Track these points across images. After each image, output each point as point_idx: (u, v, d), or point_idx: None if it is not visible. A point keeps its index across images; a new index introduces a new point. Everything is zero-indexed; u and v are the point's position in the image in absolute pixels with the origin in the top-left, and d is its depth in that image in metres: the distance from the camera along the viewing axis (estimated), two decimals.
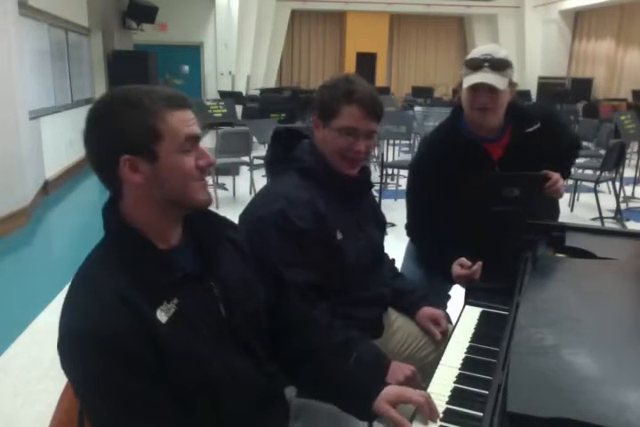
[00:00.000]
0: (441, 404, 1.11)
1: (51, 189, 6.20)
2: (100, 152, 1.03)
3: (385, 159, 6.27)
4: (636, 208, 6.05)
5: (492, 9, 16.31)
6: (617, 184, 5.76)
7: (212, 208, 1.16)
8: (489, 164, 1.90)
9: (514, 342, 1.07)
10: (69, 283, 1.02)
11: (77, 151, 7.53)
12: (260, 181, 6.29)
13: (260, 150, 6.83)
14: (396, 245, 2.19)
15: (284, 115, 9.60)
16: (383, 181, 6.01)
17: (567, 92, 12.39)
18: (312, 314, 1.40)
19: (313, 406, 1.34)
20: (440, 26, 17.61)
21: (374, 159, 7.21)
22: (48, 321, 3.15)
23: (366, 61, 16.44)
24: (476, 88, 1.79)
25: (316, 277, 1.45)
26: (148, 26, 11.25)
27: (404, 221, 2.09)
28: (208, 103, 6.99)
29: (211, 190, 1.13)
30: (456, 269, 1.77)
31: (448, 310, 1.82)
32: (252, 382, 1.11)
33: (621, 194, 5.78)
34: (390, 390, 1.13)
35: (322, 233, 1.48)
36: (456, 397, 1.14)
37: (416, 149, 2.21)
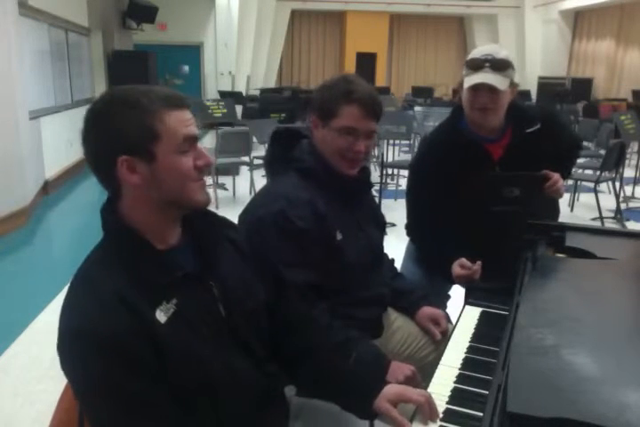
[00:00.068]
0: (441, 404, 1.11)
1: (51, 189, 6.20)
2: (97, 153, 1.03)
3: (385, 159, 6.27)
4: (636, 208, 6.05)
5: (491, 9, 16.31)
6: (617, 184, 5.76)
7: (212, 208, 1.16)
8: (489, 164, 1.90)
9: (514, 342, 1.07)
10: (69, 283, 1.02)
11: (77, 151, 7.53)
12: (260, 181, 6.29)
13: (260, 150, 6.83)
14: (396, 245, 2.19)
15: (284, 115, 9.61)
16: (383, 181, 6.01)
17: (567, 92, 12.39)
18: (312, 314, 1.40)
19: (313, 406, 1.34)
20: (440, 26, 17.61)
21: (374, 159, 7.21)
22: (48, 321, 3.15)
23: (366, 61, 16.44)
24: (476, 88, 1.79)
25: (315, 277, 1.45)
26: (148, 26, 11.25)
27: (404, 221, 2.09)
28: (208, 103, 6.99)
29: (211, 190, 1.13)
30: (456, 269, 1.77)
31: (448, 310, 1.82)
32: (251, 381, 1.11)
33: (621, 194, 5.78)
34: (391, 389, 1.13)
35: (322, 233, 1.48)
36: (456, 397, 1.14)
37: (416, 149, 2.20)
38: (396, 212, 2.10)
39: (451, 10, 16.49)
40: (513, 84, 1.83)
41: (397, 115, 6.95)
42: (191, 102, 1.10)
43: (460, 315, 1.52)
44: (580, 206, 5.93)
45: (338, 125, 1.48)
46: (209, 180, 5.87)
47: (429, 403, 1.08)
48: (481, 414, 1.05)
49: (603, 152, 6.35)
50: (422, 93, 12.99)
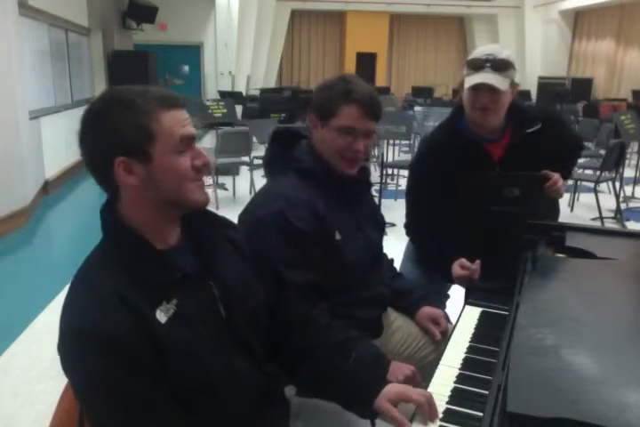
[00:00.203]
0: (441, 404, 1.11)
1: (51, 189, 6.20)
2: (94, 154, 1.03)
3: (385, 159, 6.27)
4: (636, 208, 6.05)
5: (491, 9, 16.31)
6: (617, 184, 5.76)
7: (212, 208, 1.16)
8: (489, 164, 1.90)
9: (514, 342, 1.07)
10: (69, 283, 1.02)
11: (77, 151, 7.46)
12: (260, 181, 6.27)
13: (260, 150, 6.82)
14: (396, 246, 2.19)
15: (284, 115, 9.61)
16: (383, 181, 6.00)
17: (567, 92, 12.38)
18: (312, 314, 1.40)
19: (313, 405, 1.34)
20: (440, 26, 17.61)
21: (374, 159, 7.21)
22: (48, 321, 3.15)
23: (366, 61, 16.44)
24: (477, 88, 1.79)
25: (315, 277, 1.45)
26: (148, 26, 11.25)
27: (404, 220, 2.09)
28: (208, 103, 6.99)
29: (210, 190, 1.13)
30: (456, 269, 1.77)
31: (448, 310, 1.82)
32: (251, 381, 1.11)
33: (621, 194, 5.78)
34: (391, 389, 1.13)
35: (321, 233, 1.48)
36: (456, 397, 1.14)
37: (416, 149, 2.21)
38: (395, 212, 2.10)
39: (451, 10, 16.49)
40: (513, 85, 1.83)
41: (397, 115, 6.94)
42: (191, 102, 1.10)
43: (460, 315, 1.52)
44: (579, 206, 5.93)
45: (337, 125, 1.48)
46: (209, 180, 5.88)
47: (429, 403, 1.08)
48: (481, 414, 1.05)
49: (603, 152, 6.35)
50: (422, 93, 12.99)
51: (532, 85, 14.44)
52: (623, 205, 5.81)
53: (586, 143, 7.51)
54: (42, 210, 5.59)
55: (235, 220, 1.37)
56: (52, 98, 6.86)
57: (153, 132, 1.00)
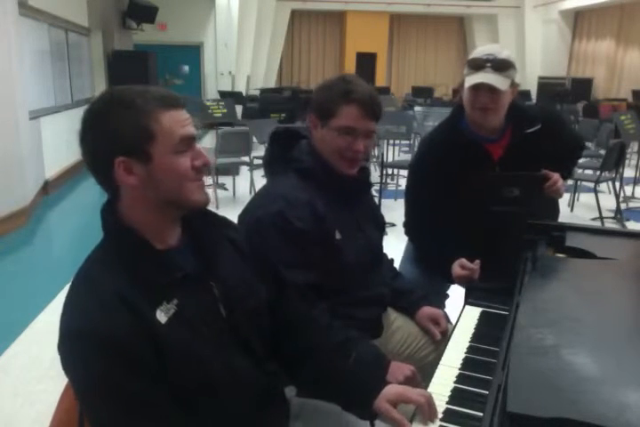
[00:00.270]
0: (441, 404, 1.11)
1: (51, 189, 6.20)
2: (95, 154, 1.03)
3: (385, 159, 6.27)
4: (636, 208, 6.05)
5: (491, 9, 16.31)
6: (617, 184, 5.76)
7: (212, 208, 1.16)
8: (489, 164, 1.90)
9: (514, 342, 1.07)
10: (70, 283, 1.02)
11: (77, 151, 7.45)
12: (260, 181, 6.27)
13: (260, 150, 6.82)
14: (396, 245, 2.20)
15: (283, 115, 9.61)
16: (383, 181, 6.00)
17: (567, 92, 12.38)
18: (312, 314, 1.40)
19: (313, 406, 1.34)
20: (440, 26, 17.61)
21: (374, 159, 7.21)
22: (48, 321, 3.15)
23: (366, 61, 16.44)
24: (477, 88, 1.79)
25: (315, 277, 1.45)
26: (148, 26, 11.25)
27: (403, 219, 2.10)
28: (208, 103, 6.99)
29: (210, 190, 1.13)
30: (456, 269, 1.77)
31: (448, 310, 1.82)
32: (251, 380, 1.11)
33: (621, 194, 5.78)
34: (391, 390, 1.13)
35: (321, 233, 1.48)
36: (456, 397, 1.14)
37: (416, 149, 2.21)
38: (395, 212, 2.10)
39: (451, 10, 16.49)
40: (514, 85, 1.83)
41: (397, 115, 6.94)
42: (191, 102, 1.10)
43: (460, 315, 1.52)
44: (579, 206, 5.93)
45: (337, 125, 1.48)
46: (209, 180, 5.88)
47: (429, 403, 1.08)
48: (481, 414, 1.05)
49: (603, 152, 6.35)
50: (422, 93, 12.99)
51: (532, 85, 14.44)
52: (623, 205, 5.81)
53: (586, 143, 7.51)
54: (42, 210, 5.59)
55: (235, 220, 1.37)
56: (52, 98, 6.86)
57: (153, 132, 1.00)
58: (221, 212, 1.17)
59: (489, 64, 1.78)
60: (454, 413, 1.09)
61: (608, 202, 5.76)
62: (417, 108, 7.91)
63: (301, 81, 16.77)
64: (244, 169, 6.77)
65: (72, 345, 0.96)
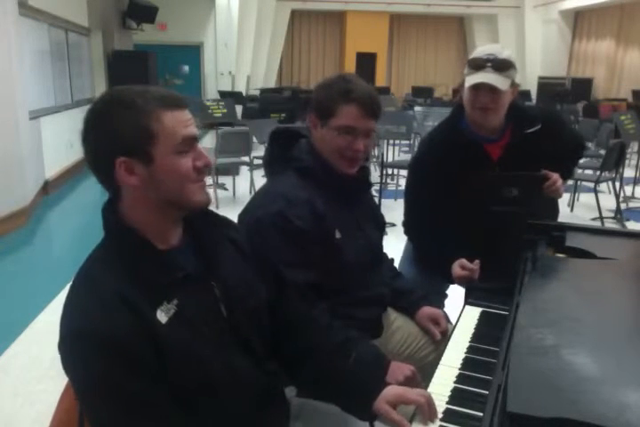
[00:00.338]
0: (441, 404, 1.11)
1: (51, 189, 6.20)
2: (96, 153, 1.03)
3: (385, 159, 6.27)
4: (636, 208, 6.05)
5: (491, 9, 16.31)
6: (617, 184, 5.76)
7: (212, 208, 1.16)
8: (489, 164, 1.90)
9: (514, 342, 1.07)
10: (70, 283, 1.02)
11: (77, 151, 7.51)
12: (260, 181, 6.26)
13: (260, 150, 6.82)
14: (396, 245, 2.19)
15: (283, 115, 9.61)
16: (383, 181, 6.00)
17: (567, 92, 12.39)
18: (312, 314, 1.40)
19: (313, 406, 1.34)
20: (440, 26, 17.61)
21: (374, 159, 7.21)
22: (48, 321, 3.15)
23: (366, 61, 16.44)
24: (477, 88, 1.80)
25: (315, 276, 1.45)
26: (148, 26, 11.25)
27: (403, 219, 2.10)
28: (208, 103, 6.99)
29: (211, 190, 1.12)
30: (456, 270, 1.77)
31: (447, 310, 1.82)
32: (251, 380, 1.11)
33: (621, 194, 5.78)
34: (390, 391, 1.13)
35: (321, 232, 1.48)
36: (456, 397, 1.14)
37: (416, 149, 2.21)
38: (395, 212, 2.10)
39: (451, 10, 16.48)
40: (514, 85, 1.84)
41: (397, 115, 6.95)
42: (191, 102, 1.09)
43: (460, 315, 1.52)
44: (579, 206, 5.93)
45: (336, 125, 1.48)
46: (209, 180, 5.88)
47: (429, 403, 1.08)
48: (481, 414, 1.05)
49: (603, 152, 6.35)
50: (422, 93, 12.99)
51: (532, 85, 14.44)
52: (623, 205, 5.81)
53: (586, 143, 7.51)
54: (42, 210, 5.59)
55: (235, 220, 1.37)
56: (52, 98, 6.86)
57: (154, 133, 1.00)
58: (221, 212, 1.17)
59: (489, 64, 1.78)
60: (454, 413, 1.09)
61: (608, 202, 5.76)
62: (417, 108, 7.90)
63: (301, 81, 16.77)
64: (244, 169, 6.77)
65: (72, 345, 0.96)
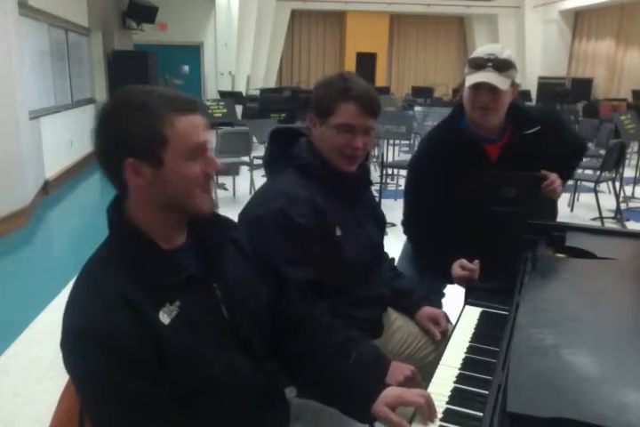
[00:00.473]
0: (441, 404, 1.11)
1: (51, 189, 6.20)
2: (105, 153, 1.03)
3: (385, 159, 6.27)
4: (636, 208, 6.05)
5: (491, 9, 16.31)
6: (617, 184, 5.76)
7: None
8: (487, 164, 1.90)
9: (514, 342, 1.07)
10: (73, 282, 1.02)
11: (77, 151, 7.53)
12: (260, 180, 6.26)
13: (260, 150, 6.83)
14: (396, 245, 2.19)
15: (283, 115, 9.61)
16: (383, 181, 6.00)
17: (567, 92, 12.39)
18: (313, 313, 1.40)
19: (314, 407, 1.33)
20: (440, 26, 17.61)
21: (374, 159, 7.21)
22: (48, 321, 3.15)
23: (366, 61, 16.44)
24: (477, 87, 1.80)
25: (315, 274, 1.45)
26: (148, 26, 11.25)
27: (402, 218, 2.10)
28: (208, 103, 6.99)
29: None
30: (456, 270, 1.77)
31: (447, 310, 1.81)
32: (252, 381, 1.11)
33: (621, 194, 5.78)
34: (389, 393, 1.13)
35: (322, 229, 1.48)
36: (456, 397, 1.14)
37: (416, 149, 2.22)
38: (395, 212, 2.10)
39: (451, 10, 16.48)
40: (514, 85, 1.84)
41: (397, 115, 6.95)
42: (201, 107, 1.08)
43: (460, 315, 1.52)
44: (579, 206, 5.93)
45: (335, 123, 1.48)
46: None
47: (428, 404, 1.08)
48: (481, 414, 1.05)
49: (603, 152, 6.35)
50: (422, 93, 12.99)
51: (532, 85, 14.44)
52: (623, 205, 5.81)
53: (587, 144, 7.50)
54: (42, 210, 5.59)
55: (235, 219, 1.36)
56: (52, 98, 6.86)
57: (166, 137, 0.99)
58: (221, 212, 1.17)
59: (490, 64, 1.78)
60: (454, 413, 1.09)
61: (608, 202, 5.76)
62: (417, 108, 7.91)
63: (301, 81, 16.76)
64: (244, 169, 6.77)
65: (74, 344, 0.96)
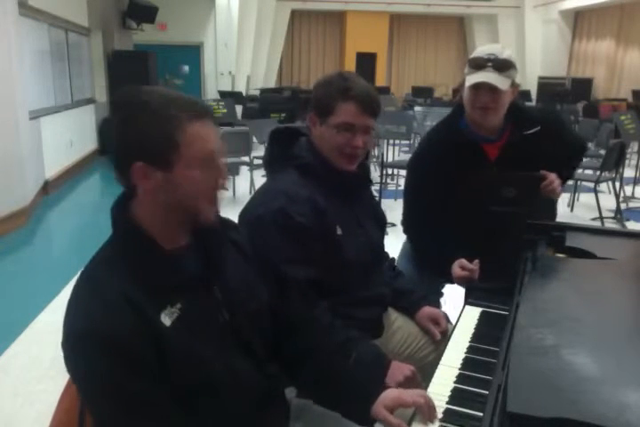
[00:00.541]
0: (441, 404, 1.11)
1: (51, 189, 6.20)
2: (116, 152, 1.02)
3: (385, 159, 6.27)
4: (636, 208, 6.05)
5: (492, 9, 16.31)
6: (617, 184, 5.76)
7: None
8: (486, 164, 1.91)
9: (514, 342, 1.07)
10: (75, 281, 1.02)
11: (77, 151, 7.53)
12: (260, 180, 6.25)
13: (260, 150, 6.83)
14: (396, 245, 2.19)
15: (283, 115, 9.61)
16: (383, 181, 6.00)
17: (567, 92, 12.39)
18: (314, 313, 1.40)
19: (314, 407, 1.33)
20: (440, 26, 17.61)
21: (374, 159, 7.21)
22: (48, 321, 3.15)
23: (366, 61, 16.44)
24: (477, 87, 1.80)
25: (316, 273, 1.45)
26: (148, 26, 11.24)
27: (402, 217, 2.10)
28: (208, 103, 6.99)
29: None
30: (457, 270, 1.77)
31: (447, 310, 1.82)
32: (253, 383, 1.11)
33: (621, 194, 5.78)
34: (388, 395, 1.12)
35: (322, 229, 1.48)
36: (456, 397, 1.14)
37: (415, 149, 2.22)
38: (395, 212, 2.10)
39: (451, 10, 16.48)
40: (514, 85, 1.84)
41: (397, 115, 6.95)
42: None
43: (460, 315, 1.52)
44: (579, 206, 5.92)
45: (335, 122, 1.48)
46: None
47: (428, 404, 1.08)
48: (481, 414, 1.05)
49: (603, 152, 6.35)
50: (422, 93, 13.00)
51: (532, 85, 14.44)
52: (623, 205, 5.81)
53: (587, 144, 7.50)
54: (42, 210, 5.59)
55: (235, 220, 1.36)
56: (52, 98, 6.86)
57: (178, 143, 0.98)
58: (221, 212, 1.17)
59: (490, 64, 1.78)
60: (454, 413, 1.09)
61: (608, 202, 5.76)
62: (417, 108, 7.92)
63: (301, 81, 16.76)
64: (244, 169, 6.77)
65: (75, 343, 0.96)
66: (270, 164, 1.64)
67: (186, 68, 14.52)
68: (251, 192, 6.20)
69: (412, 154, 2.19)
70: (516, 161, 1.86)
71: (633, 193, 6.44)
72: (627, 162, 6.83)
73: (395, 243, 2.22)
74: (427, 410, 1.07)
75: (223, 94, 10.62)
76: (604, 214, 5.36)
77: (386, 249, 1.77)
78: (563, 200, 5.76)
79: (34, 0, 5.88)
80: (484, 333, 1.40)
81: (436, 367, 1.27)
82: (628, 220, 5.53)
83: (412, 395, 1.11)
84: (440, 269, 1.84)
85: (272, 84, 15.49)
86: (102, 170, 7.67)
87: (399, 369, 1.41)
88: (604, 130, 7.10)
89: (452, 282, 1.89)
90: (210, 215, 1.06)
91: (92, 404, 0.99)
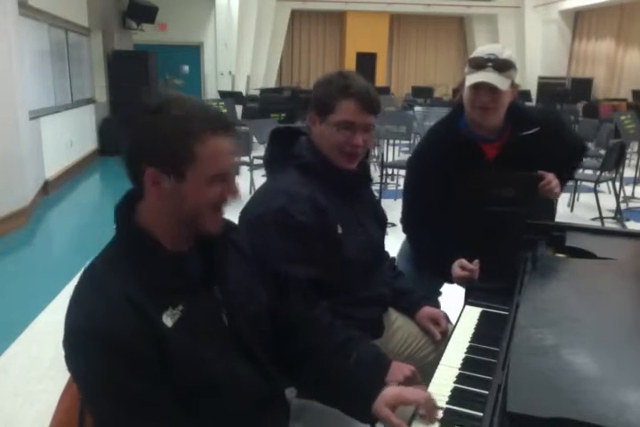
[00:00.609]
0: (441, 404, 1.11)
1: (51, 189, 6.20)
2: (129, 156, 1.02)
3: (385, 159, 6.27)
4: (636, 208, 6.05)
5: (492, 9, 16.30)
6: (617, 184, 5.76)
7: None
8: (485, 163, 1.91)
9: (514, 342, 1.07)
10: (76, 281, 1.02)
11: (77, 151, 7.53)
12: (260, 180, 6.26)
13: (260, 150, 6.82)
14: (396, 245, 2.19)
15: (283, 115, 9.62)
16: (383, 180, 6.00)
17: (567, 92, 12.39)
18: (314, 313, 1.40)
19: (314, 407, 1.33)
20: (440, 26, 17.60)
21: (374, 159, 7.21)
22: (48, 321, 3.15)
23: (366, 61, 16.43)
24: (477, 87, 1.80)
25: (317, 272, 1.45)
26: (148, 26, 11.24)
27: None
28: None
29: None
30: (456, 270, 1.77)
31: (447, 310, 1.81)
32: (254, 388, 1.11)
33: (621, 194, 5.78)
34: (389, 392, 1.12)
35: (323, 227, 1.48)
36: (456, 397, 1.14)
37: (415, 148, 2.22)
38: (395, 212, 2.10)
39: (451, 10, 16.48)
40: (514, 85, 1.84)
41: (397, 115, 6.95)
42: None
43: (460, 315, 1.52)
44: (579, 206, 5.92)
45: (335, 120, 1.48)
46: None
47: (428, 403, 1.08)
48: (481, 414, 1.05)
49: (603, 152, 6.35)
50: (422, 93, 13.00)
51: (532, 85, 14.43)
52: (623, 205, 5.81)
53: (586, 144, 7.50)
54: (42, 210, 5.59)
55: (235, 219, 1.36)
56: (52, 98, 6.86)
57: (194, 155, 0.98)
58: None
59: (490, 64, 1.78)
60: (454, 413, 1.09)
61: (608, 202, 5.76)
62: (417, 108, 7.91)
63: (301, 81, 16.76)
64: (244, 169, 6.77)
65: (76, 343, 0.96)
66: (270, 163, 1.64)
67: (186, 68, 14.52)
68: (251, 192, 6.19)
69: (412, 153, 2.19)
70: (515, 161, 1.86)
71: (633, 193, 6.44)
72: (627, 162, 6.83)
73: (395, 243, 2.21)
74: (427, 408, 1.07)
75: (223, 94, 10.61)
76: (604, 214, 5.36)
77: (386, 249, 1.76)
78: (563, 200, 5.77)
79: (34, 0, 5.88)
80: (484, 333, 1.40)
81: (435, 367, 1.27)
82: (627, 220, 5.53)
83: (413, 393, 1.11)
84: (440, 269, 1.84)
85: (272, 84, 15.48)
86: (102, 170, 7.68)
87: (399, 369, 1.41)
88: (604, 130, 7.10)
89: (451, 282, 1.89)
90: (213, 226, 1.06)
91: (92, 403, 0.99)
